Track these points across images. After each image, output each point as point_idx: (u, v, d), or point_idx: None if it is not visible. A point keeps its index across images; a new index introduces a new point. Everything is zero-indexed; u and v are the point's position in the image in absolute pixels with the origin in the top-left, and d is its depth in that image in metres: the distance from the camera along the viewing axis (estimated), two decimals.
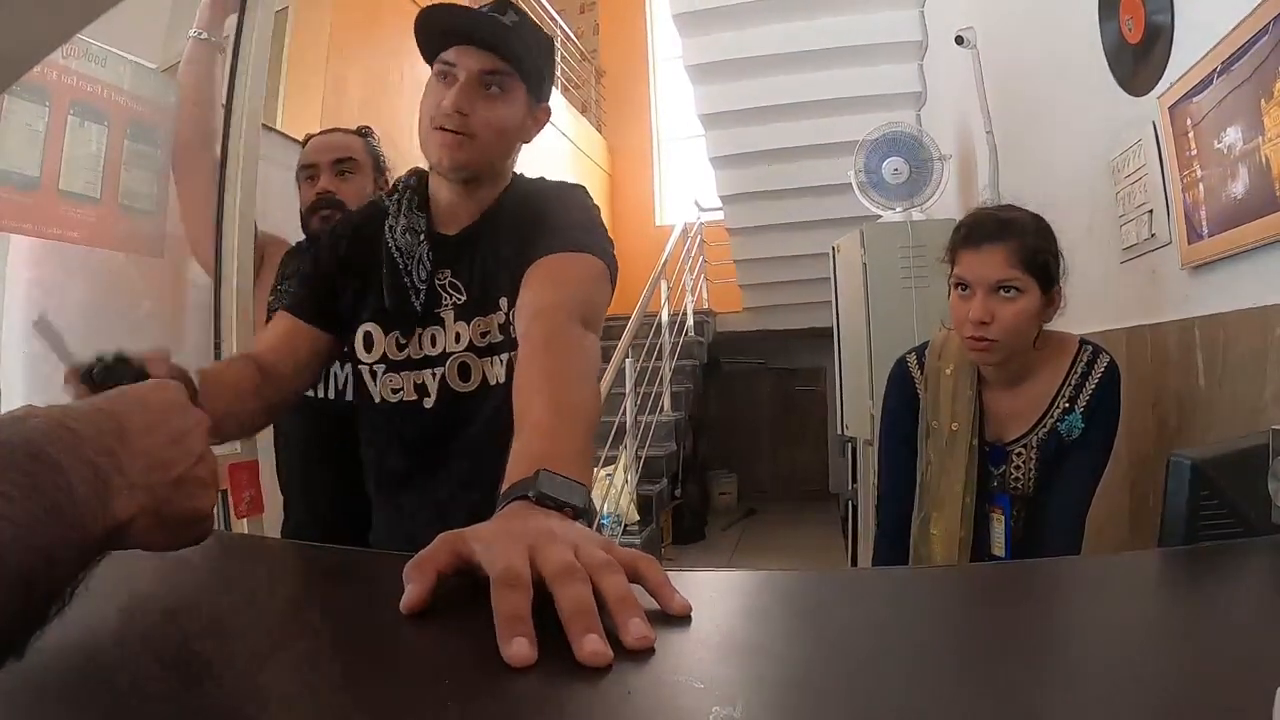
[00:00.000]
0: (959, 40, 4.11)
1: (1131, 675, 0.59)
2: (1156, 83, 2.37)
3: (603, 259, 1.36)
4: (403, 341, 1.44)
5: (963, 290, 1.80)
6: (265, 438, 2.03)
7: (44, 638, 0.50)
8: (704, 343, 8.54)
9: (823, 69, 6.05)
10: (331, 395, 1.98)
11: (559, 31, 9.27)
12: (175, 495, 0.59)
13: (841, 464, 5.76)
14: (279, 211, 2.22)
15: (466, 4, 1.40)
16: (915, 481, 1.95)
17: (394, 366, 1.45)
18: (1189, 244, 2.24)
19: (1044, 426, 1.84)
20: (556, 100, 8.64)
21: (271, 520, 2.02)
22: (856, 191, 4.59)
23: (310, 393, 1.94)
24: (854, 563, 4.86)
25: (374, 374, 1.46)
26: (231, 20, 2.03)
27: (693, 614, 0.68)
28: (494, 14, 1.37)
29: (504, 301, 1.40)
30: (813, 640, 0.71)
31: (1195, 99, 2.15)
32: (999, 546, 1.88)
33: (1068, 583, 0.92)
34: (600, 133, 10.59)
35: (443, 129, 1.35)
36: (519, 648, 0.57)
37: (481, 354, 1.42)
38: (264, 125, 2.13)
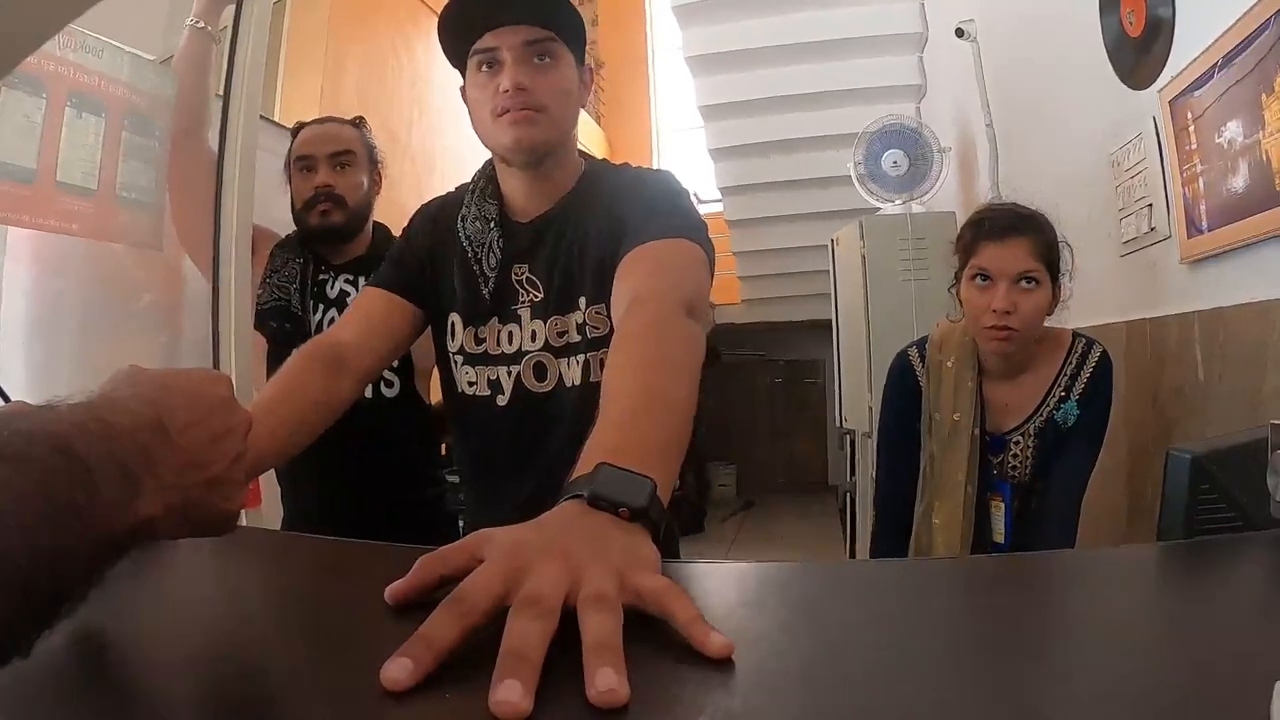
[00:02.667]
0: (959, 33, 4.11)
1: (1130, 668, 0.59)
2: (1157, 76, 2.37)
3: (703, 246, 1.27)
4: (481, 336, 1.40)
5: (982, 281, 1.81)
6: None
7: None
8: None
9: (822, 61, 6.04)
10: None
11: None
12: (207, 495, 0.58)
13: (840, 456, 5.77)
14: (275, 203, 2.20)
15: None
16: (916, 473, 1.97)
17: (470, 360, 1.42)
18: (1188, 238, 2.24)
19: (1040, 415, 1.88)
20: None
21: (269, 514, 2.02)
22: (856, 184, 4.59)
23: None
24: (852, 555, 4.87)
25: (456, 363, 1.43)
26: (229, 10, 2.02)
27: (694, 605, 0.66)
28: None
29: (583, 301, 1.35)
30: (813, 633, 0.71)
31: (1196, 93, 2.14)
32: (999, 534, 1.92)
33: (1067, 575, 0.92)
34: (599, 124, 10.57)
35: (509, 110, 1.28)
36: (507, 693, 0.46)
37: (558, 354, 1.37)
38: (261, 116, 2.12)
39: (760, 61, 6.18)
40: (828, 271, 5.07)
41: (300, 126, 2.10)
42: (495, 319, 1.39)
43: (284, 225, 2.11)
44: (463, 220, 1.41)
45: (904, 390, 2.02)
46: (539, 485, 1.35)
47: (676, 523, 1.40)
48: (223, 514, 0.61)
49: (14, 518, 0.42)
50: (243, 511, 1.85)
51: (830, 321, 5.04)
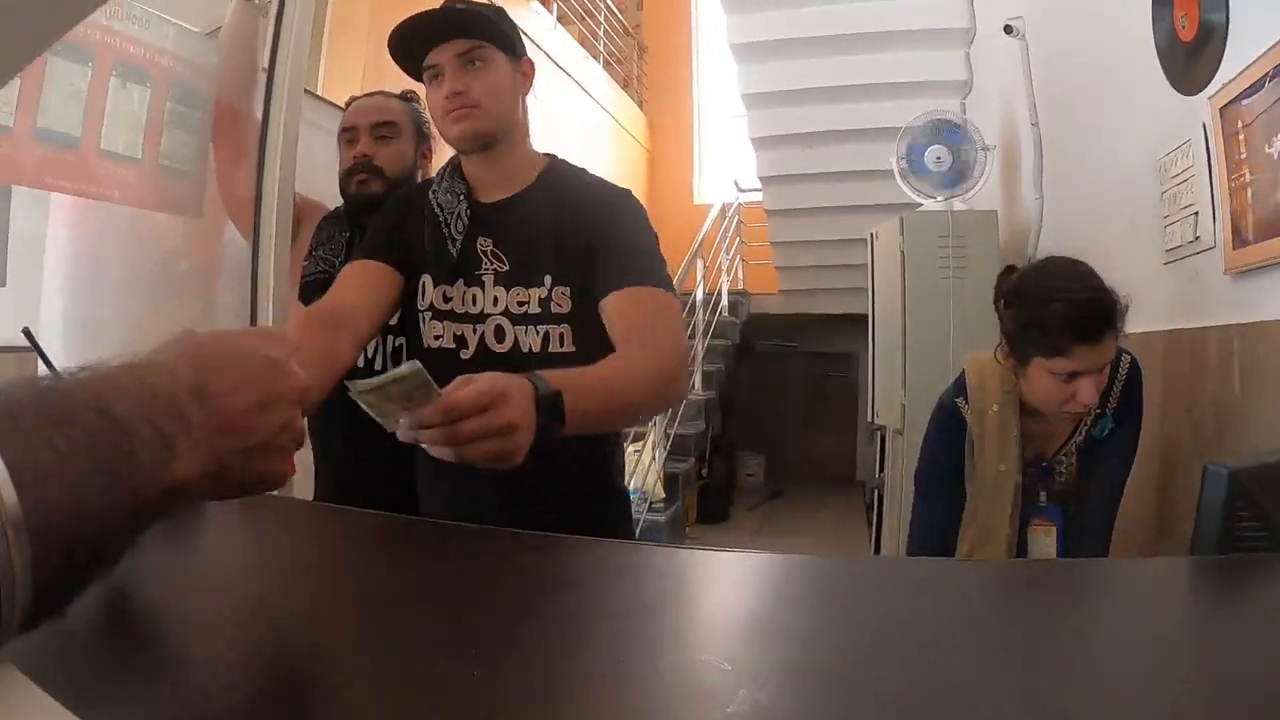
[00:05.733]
0: (1008, 29, 4.06)
1: (1157, 680, 0.58)
2: (1208, 82, 2.32)
3: (674, 295, 1.56)
4: (449, 295, 1.58)
5: (1068, 378, 1.72)
6: None
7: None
8: (737, 323, 8.54)
9: (868, 53, 5.99)
10: (360, 364, 1.97)
11: (603, 5, 9.22)
12: (246, 461, 0.58)
13: (870, 451, 5.75)
14: (318, 176, 2.21)
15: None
16: (953, 523, 1.93)
17: (438, 315, 1.59)
18: (1234, 249, 2.20)
19: (1080, 434, 1.88)
20: (598, 74, 8.62)
21: (301, 485, 2.03)
22: (898, 178, 4.54)
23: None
24: (877, 548, 4.85)
25: (423, 319, 1.60)
26: None
27: (722, 595, 0.67)
28: (447, 9, 1.55)
29: (548, 279, 1.54)
30: (841, 627, 0.71)
31: (1247, 101, 2.10)
32: (1049, 556, 1.88)
33: (1099, 584, 0.92)
34: (641, 109, 10.54)
35: (451, 110, 1.53)
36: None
37: (516, 321, 1.55)
38: (305, 90, 2.13)
39: (805, 51, 6.14)
40: (865, 265, 5.03)
41: (351, 100, 2.13)
42: (461, 280, 1.58)
43: (333, 198, 2.14)
44: (434, 193, 1.63)
45: (950, 440, 1.96)
46: None
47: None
48: (263, 478, 0.60)
49: (58, 478, 0.42)
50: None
51: (865, 316, 5.01)
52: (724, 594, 0.70)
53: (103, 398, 0.47)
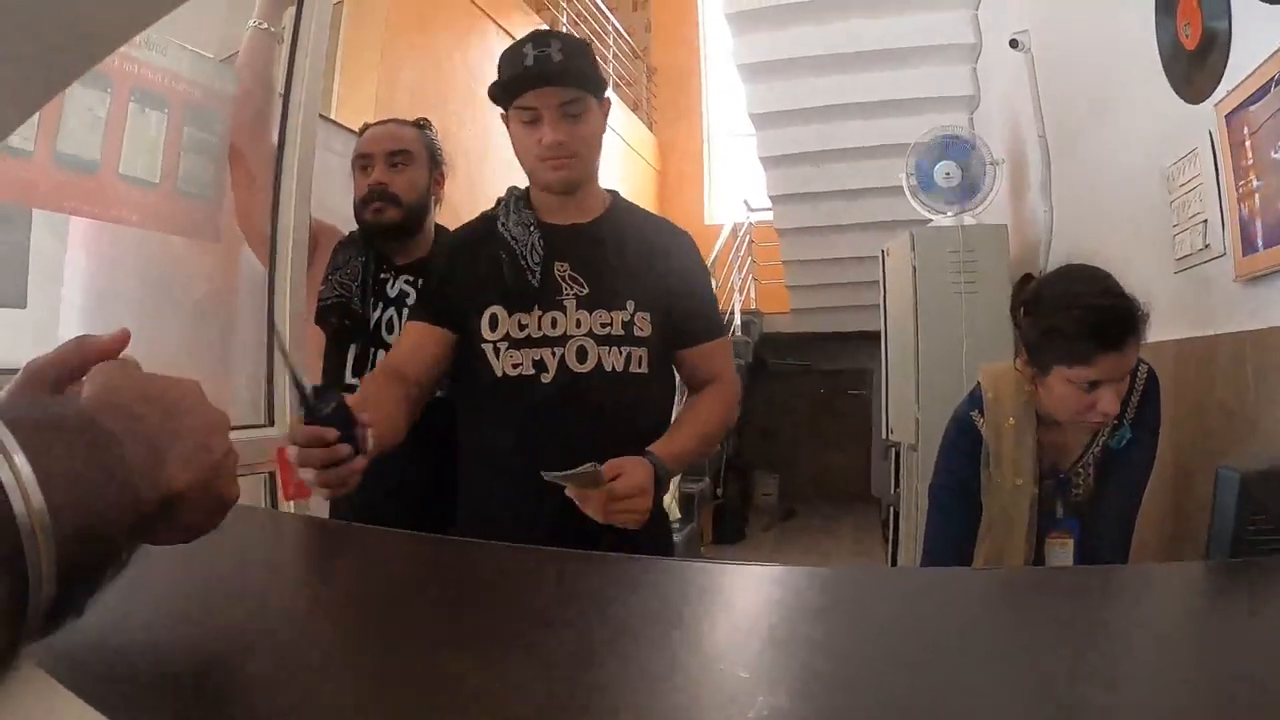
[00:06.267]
0: (1013, 44, 4.08)
1: (1171, 685, 0.59)
2: (1213, 90, 2.33)
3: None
4: (524, 322, 1.62)
5: (1091, 388, 1.69)
6: None
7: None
8: (750, 343, 8.52)
9: (875, 70, 6.01)
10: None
11: (611, 29, 9.28)
12: (216, 480, 0.58)
13: (884, 468, 5.73)
14: (333, 200, 2.23)
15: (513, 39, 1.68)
16: (968, 537, 1.91)
17: (515, 344, 1.62)
18: (1244, 256, 2.21)
19: (1097, 445, 1.85)
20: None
21: (318, 503, 2.05)
22: (908, 195, 4.56)
23: (356, 381, 1.97)
24: (893, 565, 4.83)
25: (497, 351, 1.62)
26: (290, 10, 2.05)
27: (741, 606, 0.68)
28: (544, 49, 1.58)
29: (630, 304, 1.64)
30: (858, 636, 0.71)
31: (1252, 107, 2.11)
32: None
33: (1115, 591, 0.91)
34: (651, 130, 10.59)
35: (550, 160, 1.60)
36: None
37: (600, 341, 1.62)
38: (320, 115, 2.15)
39: (812, 70, 6.16)
40: (877, 282, 5.04)
41: (366, 126, 2.14)
42: (538, 307, 1.62)
43: (346, 221, 2.16)
44: (503, 225, 1.68)
45: (965, 454, 1.93)
46: (571, 458, 1.50)
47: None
48: (225, 502, 0.60)
49: (69, 481, 0.44)
50: (291, 504, 1.90)
51: (878, 333, 5.01)
52: (744, 605, 0.70)
53: (87, 414, 0.49)
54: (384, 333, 2.00)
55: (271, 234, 2.02)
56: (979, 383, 1.95)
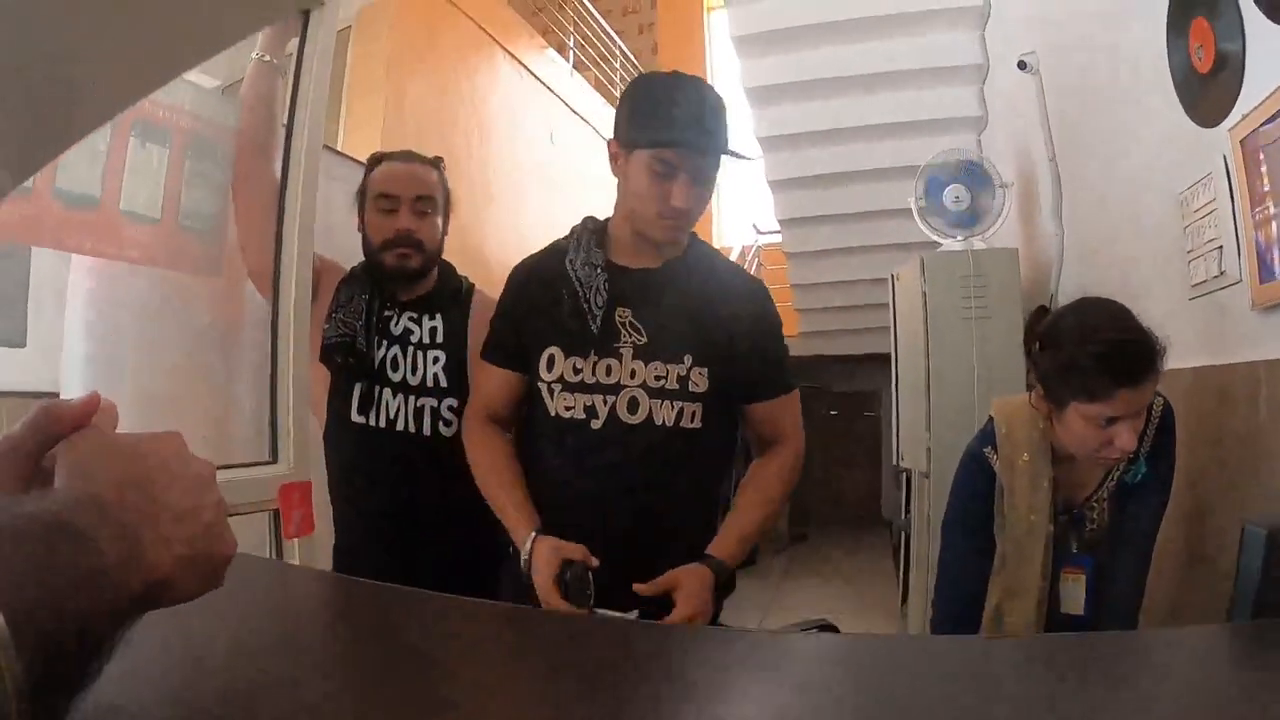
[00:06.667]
0: (1021, 65, 4.06)
1: None
2: (1227, 114, 2.30)
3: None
4: (579, 367, 1.61)
5: (1107, 423, 1.67)
6: (318, 457, 2.03)
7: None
8: None
9: (882, 92, 6.01)
10: (382, 424, 1.97)
11: (618, 51, 9.32)
12: (208, 544, 0.57)
13: (895, 491, 5.70)
14: (336, 232, 2.21)
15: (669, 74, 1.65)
16: (982, 575, 1.89)
17: (569, 387, 1.62)
18: (1260, 283, 2.17)
19: (1112, 480, 1.84)
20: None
21: (321, 541, 2.03)
22: (917, 218, 4.53)
23: (361, 419, 1.96)
24: (905, 593, 4.80)
25: (551, 391, 1.63)
26: (293, 42, 2.04)
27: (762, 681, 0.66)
28: (699, 106, 1.56)
29: (689, 358, 1.61)
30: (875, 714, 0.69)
31: (1266, 129, 2.08)
32: (1078, 606, 1.85)
33: (1136, 657, 0.89)
34: None
35: (670, 221, 1.59)
36: None
37: (653, 394, 1.60)
38: (324, 146, 2.14)
39: (819, 93, 6.17)
40: (886, 305, 5.02)
41: (379, 158, 2.11)
42: (594, 353, 1.61)
43: (343, 250, 2.14)
44: (571, 263, 1.65)
45: (978, 491, 1.91)
46: (615, 504, 1.60)
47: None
48: (222, 557, 0.59)
49: (33, 579, 0.42)
50: (295, 541, 1.88)
51: (888, 355, 4.99)
52: (766, 681, 0.69)
53: (54, 514, 0.47)
54: (389, 370, 1.99)
55: (275, 268, 2.00)
56: (991, 417, 1.92)
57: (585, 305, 1.61)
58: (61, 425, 0.56)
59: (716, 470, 1.75)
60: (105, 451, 0.55)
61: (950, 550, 1.99)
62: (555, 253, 1.72)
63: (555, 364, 1.62)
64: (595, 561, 1.49)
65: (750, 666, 0.71)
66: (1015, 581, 1.84)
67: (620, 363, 1.60)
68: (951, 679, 0.78)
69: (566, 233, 1.78)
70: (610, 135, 1.66)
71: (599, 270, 1.63)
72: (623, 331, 1.61)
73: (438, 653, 0.86)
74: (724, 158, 1.61)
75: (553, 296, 1.65)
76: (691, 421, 1.61)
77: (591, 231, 1.70)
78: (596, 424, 1.60)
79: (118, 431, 0.60)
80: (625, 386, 1.59)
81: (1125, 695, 0.73)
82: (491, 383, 1.74)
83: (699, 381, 1.61)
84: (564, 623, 1.07)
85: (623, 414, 1.59)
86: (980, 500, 1.90)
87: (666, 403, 1.60)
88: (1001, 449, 1.87)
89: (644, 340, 1.61)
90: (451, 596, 1.13)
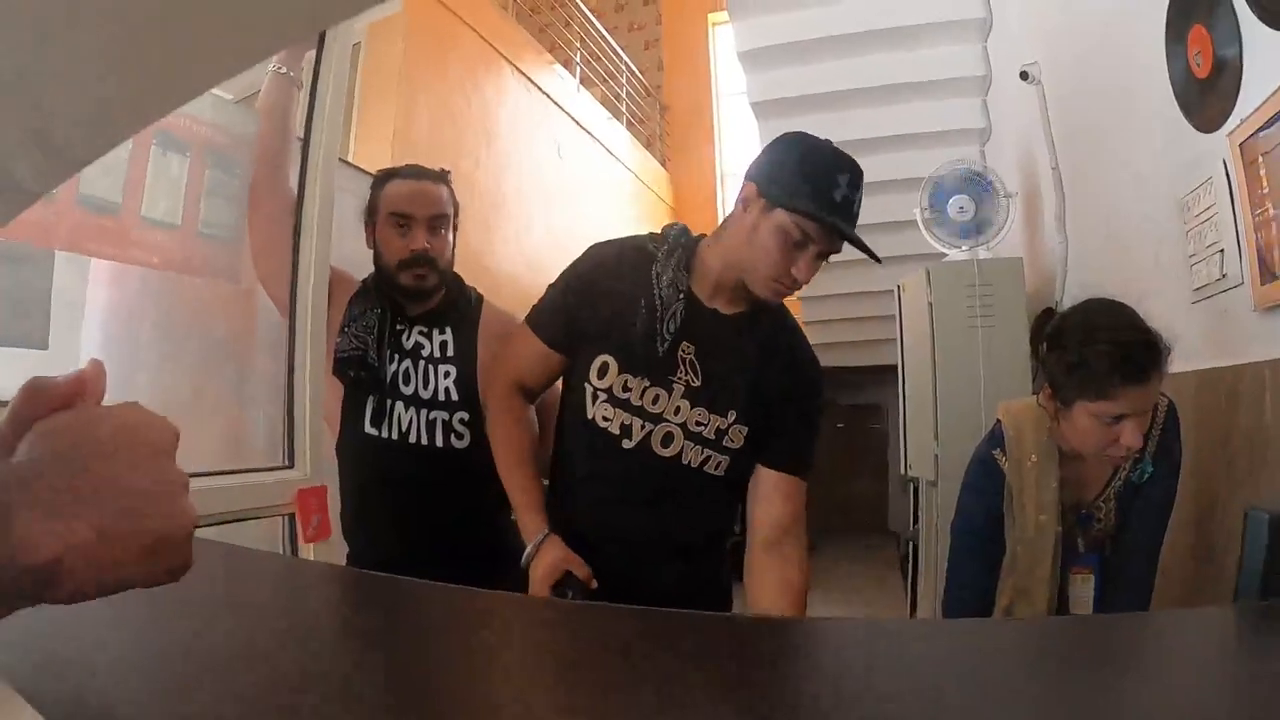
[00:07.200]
0: (1024, 75, 4.09)
1: None
2: (1226, 118, 2.33)
3: None
4: (630, 385, 1.60)
5: (1114, 421, 1.70)
6: (331, 463, 2.05)
7: None
8: None
9: (886, 105, 6.03)
10: (394, 436, 1.98)
11: (624, 67, 9.37)
12: (145, 518, 0.50)
13: (903, 502, 5.70)
14: (347, 242, 2.23)
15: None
16: (993, 577, 1.92)
17: (614, 401, 1.61)
18: (1262, 284, 2.20)
19: (1119, 480, 1.86)
20: (621, 135, 8.74)
21: (338, 545, 2.05)
22: (922, 229, 4.55)
23: (374, 431, 1.97)
24: (913, 603, 4.79)
25: (595, 397, 1.62)
26: (310, 55, 2.07)
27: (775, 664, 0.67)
28: (854, 194, 1.55)
29: (733, 414, 1.60)
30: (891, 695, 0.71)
31: (1265, 134, 2.11)
32: (1086, 605, 1.87)
33: (1145, 640, 0.91)
34: (664, 167, 10.66)
35: (784, 287, 1.56)
36: None
37: (688, 436, 1.60)
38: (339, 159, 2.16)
39: (824, 106, 6.19)
40: (892, 316, 5.03)
41: (387, 174, 2.11)
42: (646, 376, 1.60)
43: (353, 261, 2.15)
44: (658, 277, 1.62)
45: (987, 493, 1.94)
46: (628, 519, 1.61)
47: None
48: (174, 536, 0.52)
49: None
50: (311, 546, 1.90)
51: (894, 366, 4.99)
52: (778, 665, 0.70)
53: None
54: (401, 384, 2.00)
55: (292, 278, 2.03)
56: (999, 420, 1.95)
57: (659, 326, 1.59)
58: (42, 405, 0.52)
59: (730, 506, 1.75)
60: (53, 426, 0.51)
61: (960, 553, 2.01)
62: (640, 252, 1.67)
63: (608, 373, 1.61)
64: (594, 585, 1.52)
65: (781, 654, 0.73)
66: (1025, 582, 1.87)
67: (669, 396, 1.60)
68: (963, 662, 0.80)
69: (651, 231, 1.75)
70: (749, 179, 1.63)
71: (681, 296, 1.60)
72: (681, 367, 1.60)
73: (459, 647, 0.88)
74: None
75: (627, 300, 1.62)
76: (716, 470, 1.62)
77: (685, 249, 1.67)
78: (628, 444, 1.60)
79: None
80: (666, 421, 1.60)
81: (1132, 676, 0.74)
82: (530, 354, 1.72)
83: (735, 438, 1.61)
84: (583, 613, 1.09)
85: (655, 445, 1.60)
86: (989, 503, 1.92)
87: (699, 448, 1.60)
88: (1010, 450, 1.90)
89: (698, 383, 1.60)
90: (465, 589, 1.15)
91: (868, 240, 1.53)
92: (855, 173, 1.56)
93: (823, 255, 1.54)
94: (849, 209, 1.52)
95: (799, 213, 1.51)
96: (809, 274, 1.54)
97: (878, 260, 1.56)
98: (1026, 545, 1.87)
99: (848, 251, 1.57)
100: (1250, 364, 2.30)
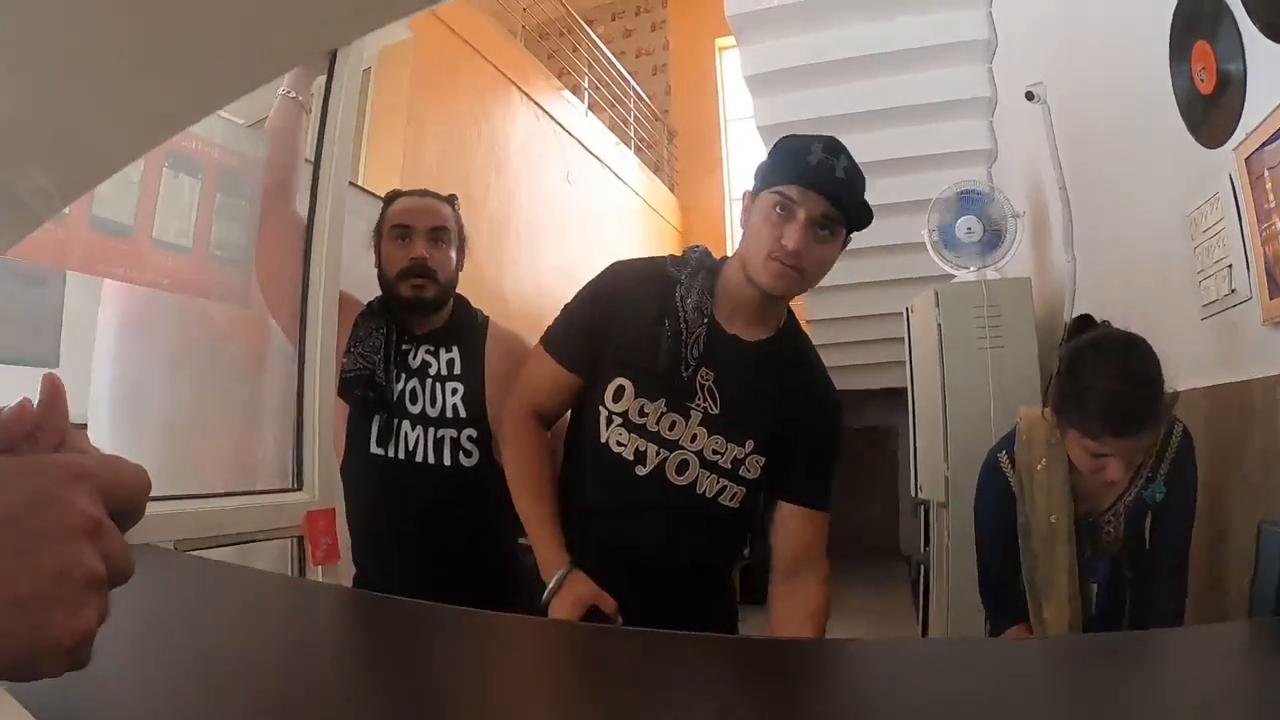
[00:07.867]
0: (1029, 96, 4.10)
1: None
2: (1231, 134, 2.34)
3: None
4: (646, 410, 1.56)
5: (1098, 457, 1.74)
6: (340, 486, 2.05)
7: None
8: None
9: (893, 127, 6.05)
10: (401, 455, 1.97)
11: (632, 92, 9.43)
12: (10, 623, 0.41)
13: (913, 525, 5.67)
14: (357, 265, 2.24)
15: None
16: (1018, 572, 1.97)
17: (628, 426, 1.57)
18: (1270, 299, 2.19)
19: (1130, 495, 1.89)
20: (629, 160, 8.78)
21: (347, 568, 2.04)
22: (930, 251, 4.55)
23: (380, 451, 1.96)
24: (924, 626, 4.76)
25: (610, 420, 1.58)
26: (319, 80, 2.09)
27: (799, 685, 0.68)
28: (832, 158, 1.47)
29: (750, 444, 1.57)
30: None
31: (1270, 148, 2.12)
32: (1089, 607, 1.93)
33: (1159, 658, 0.90)
34: (672, 191, 10.70)
35: (780, 262, 1.48)
36: None
37: (704, 465, 1.56)
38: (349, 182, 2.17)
39: (831, 129, 6.08)
40: (901, 339, 5.03)
41: (395, 195, 2.12)
42: (665, 402, 1.56)
43: (360, 285, 2.15)
44: (683, 300, 1.57)
45: (996, 495, 1.99)
46: (638, 542, 1.59)
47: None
48: (49, 642, 0.42)
49: None
50: (319, 569, 1.90)
51: (904, 389, 4.99)
52: (801, 685, 0.70)
53: None
54: (408, 403, 1.99)
55: (302, 300, 2.04)
56: (1016, 423, 2.01)
57: (683, 351, 1.55)
58: None
59: (741, 534, 1.74)
60: None
61: (985, 554, 2.08)
62: (662, 276, 1.62)
63: (624, 396, 1.57)
64: (620, 621, 1.50)
65: (800, 675, 0.73)
66: (1045, 581, 1.92)
67: (686, 423, 1.56)
68: (979, 678, 0.80)
69: (671, 254, 1.70)
70: (745, 192, 1.62)
71: (704, 320, 1.57)
72: (699, 394, 1.56)
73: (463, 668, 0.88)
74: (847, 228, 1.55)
75: (649, 322, 1.58)
76: (731, 501, 1.59)
77: (708, 272, 1.62)
78: (641, 470, 1.56)
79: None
80: (682, 448, 1.56)
81: (1148, 694, 0.74)
82: (546, 377, 1.67)
83: (752, 469, 1.58)
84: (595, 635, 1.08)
85: (670, 473, 1.56)
86: (997, 504, 1.98)
87: (714, 477, 1.57)
88: (1019, 454, 1.95)
89: (716, 411, 1.56)
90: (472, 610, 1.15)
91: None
92: (830, 142, 1.51)
93: (812, 222, 1.47)
94: (828, 171, 1.47)
95: (774, 184, 1.50)
96: (799, 241, 1.46)
97: (870, 215, 1.55)
98: (1043, 543, 1.92)
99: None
100: (1261, 378, 2.29)
